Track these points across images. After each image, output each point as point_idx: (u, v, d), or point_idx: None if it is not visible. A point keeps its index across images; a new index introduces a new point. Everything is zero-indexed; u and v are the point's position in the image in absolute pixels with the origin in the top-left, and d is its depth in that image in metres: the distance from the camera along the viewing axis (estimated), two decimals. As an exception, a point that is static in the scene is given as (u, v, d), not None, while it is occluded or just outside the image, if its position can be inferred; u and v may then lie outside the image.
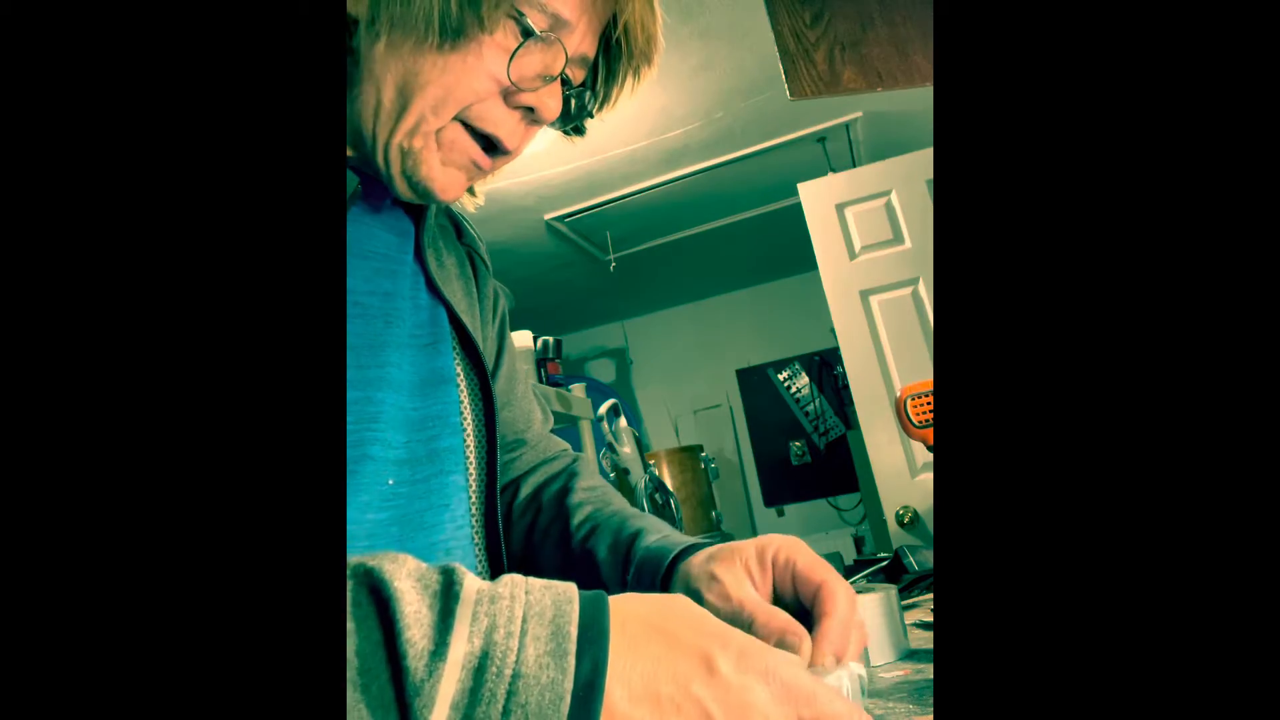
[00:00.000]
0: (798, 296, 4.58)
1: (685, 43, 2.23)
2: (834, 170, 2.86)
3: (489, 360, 0.67)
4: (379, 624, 0.27)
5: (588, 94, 0.57)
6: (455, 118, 0.50)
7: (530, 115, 0.52)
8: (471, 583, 0.29)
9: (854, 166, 2.92)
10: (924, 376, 2.10)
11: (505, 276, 3.30)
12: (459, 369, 0.60)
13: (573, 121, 0.59)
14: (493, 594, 0.29)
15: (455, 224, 0.71)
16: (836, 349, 2.30)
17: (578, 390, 2.31)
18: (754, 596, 0.44)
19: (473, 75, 0.48)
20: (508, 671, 0.27)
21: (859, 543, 4.07)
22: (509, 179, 2.87)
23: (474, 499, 0.60)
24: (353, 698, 0.26)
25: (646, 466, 1.79)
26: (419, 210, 0.61)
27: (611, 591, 0.34)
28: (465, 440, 0.59)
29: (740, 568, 0.46)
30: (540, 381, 2.27)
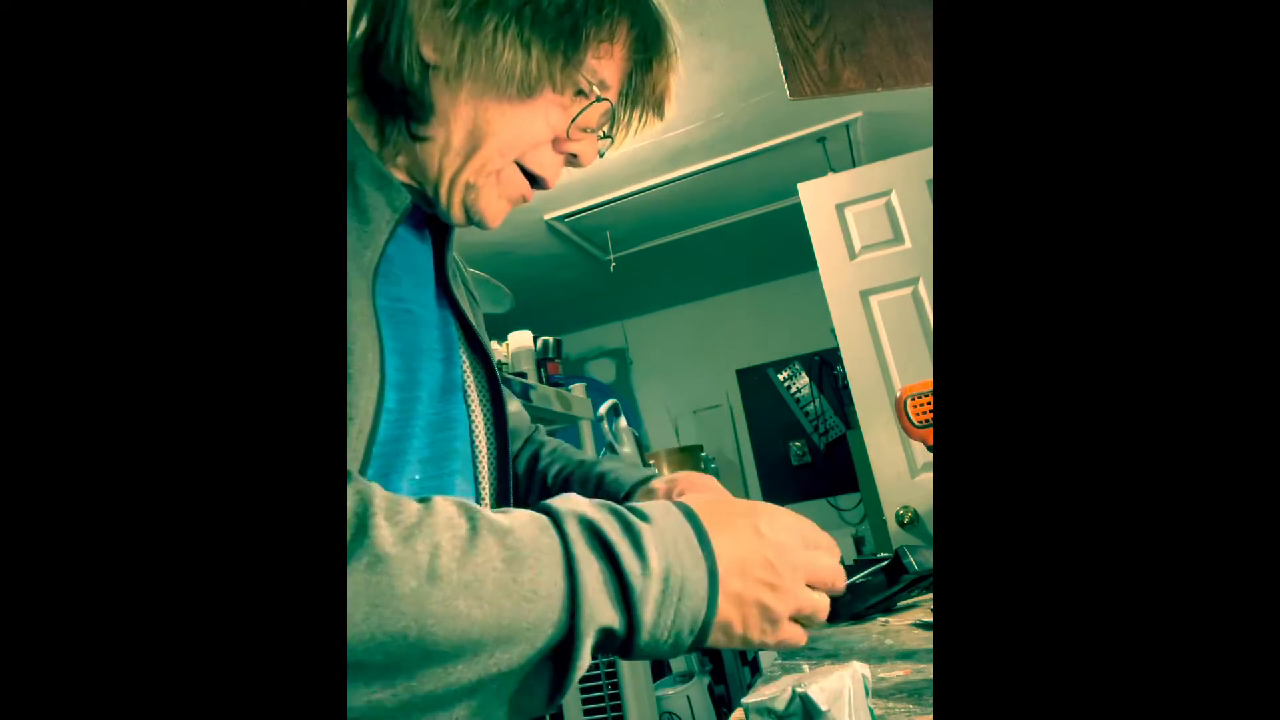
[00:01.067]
0: (798, 296, 4.57)
1: (685, 43, 2.22)
2: (834, 170, 2.85)
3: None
4: (604, 555, 0.40)
5: (611, 142, 0.67)
6: (514, 161, 0.59)
7: (573, 160, 0.62)
8: (635, 519, 0.42)
9: (854, 166, 2.92)
10: (924, 376, 2.10)
11: (505, 276, 3.29)
12: (469, 375, 0.67)
13: (592, 160, 0.69)
14: (652, 526, 0.42)
15: (458, 265, 0.81)
16: (836, 349, 2.29)
17: (578, 390, 2.31)
18: None
19: (536, 126, 0.57)
20: (676, 581, 0.41)
21: (859, 543, 4.06)
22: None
23: (486, 498, 0.66)
24: (602, 600, 0.38)
25: (646, 466, 1.79)
26: (441, 230, 0.69)
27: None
28: (475, 444, 0.66)
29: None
30: (540, 381, 2.27)
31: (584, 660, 0.38)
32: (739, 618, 0.43)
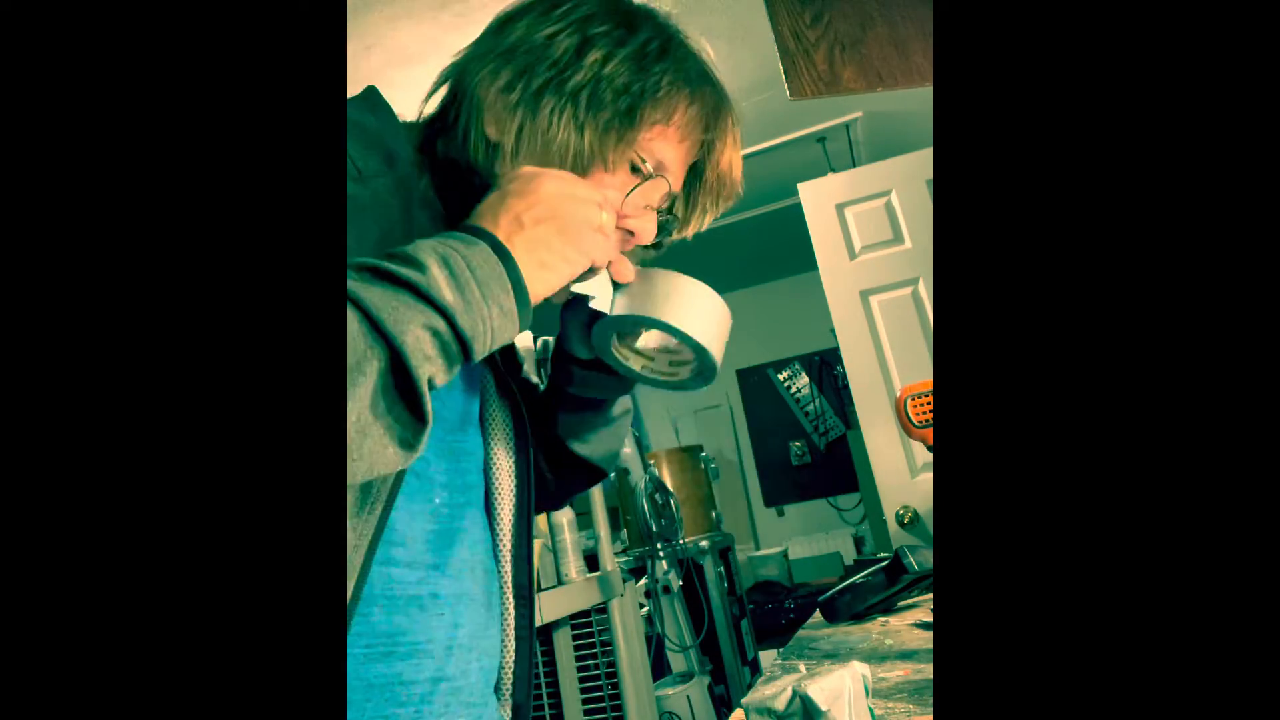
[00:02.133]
0: (798, 296, 4.57)
1: (685, 43, 2.22)
2: (834, 170, 2.85)
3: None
4: (385, 280, 0.40)
5: (675, 221, 0.67)
6: None
7: (629, 236, 0.61)
8: (406, 249, 0.43)
9: (854, 166, 2.92)
10: (924, 376, 2.10)
11: (505, 277, 3.28)
12: (495, 410, 0.67)
13: (656, 239, 0.68)
14: (417, 242, 0.44)
15: None
16: (836, 349, 2.29)
17: (578, 390, 2.30)
18: None
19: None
20: (457, 252, 0.44)
21: (859, 543, 4.06)
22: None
23: (509, 534, 0.65)
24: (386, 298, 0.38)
25: (646, 466, 1.79)
26: None
27: None
28: (495, 479, 0.65)
29: None
30: (541, 381, 2.26)
31: (423, 368, 0.39)
32: (542, 254, 0.46)
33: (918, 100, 2.73)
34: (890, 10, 1.37)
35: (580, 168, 0.56)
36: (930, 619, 0.69)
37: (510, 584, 0.65)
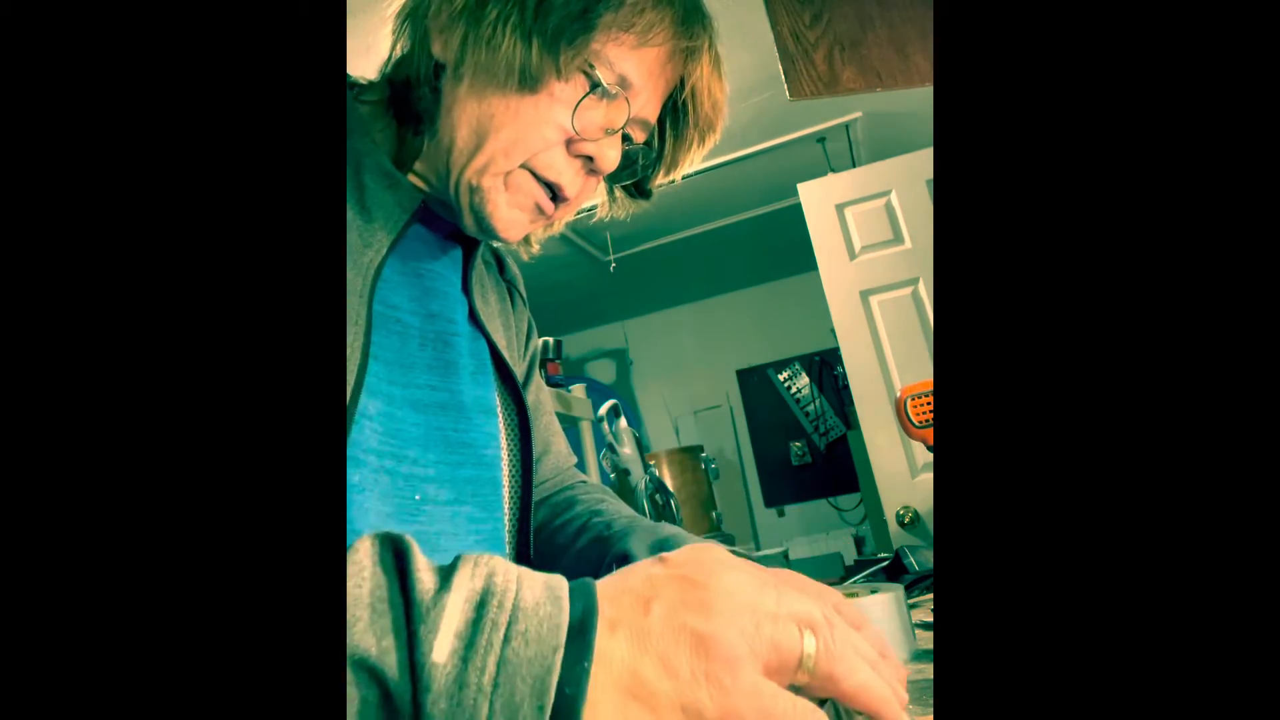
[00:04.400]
0: (798, 296, 4.58)
1: (685, 43, 2.22)
2: (834, 170, 2.86)
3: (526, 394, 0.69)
4: (396, 570, 0.29)
5: (651, 154, 0.61)
6: (523, 165, 0.54)
7: (589, 164, 0.56)
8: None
9: (854, 166, 2.92)
10: (924, 376, 2.10)
11: (505, 277, 3.29)
12: (498, 403, 0.62)
13: (632, 178, 0.63)
14: (489, 556, 0.30)
15: (498, 259, 0.75)
16: (836, 349, 2.30)
17: (578, 391, 2.31)
18: None
19: (542, 122, 0.52)
20: (508, 603, 0.28)
21: (859, 543, 4.06)
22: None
23: (506, 531, 0.61)
24: (363, 625, 0.27)
25: (647, 467, 1.79)
26: (470, 244, 0.64)
27: None
28: (500, 473, 0.60)
29: None
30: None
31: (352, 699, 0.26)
32: (652, 673, 0.27)
33: (918, 100, 2.73)
34: (890, 10, 1.37)
35: (530, 81, 0.50)
36: (930, 619, 0.69)
37: None
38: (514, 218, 0.56)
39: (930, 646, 0.58)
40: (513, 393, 0.63)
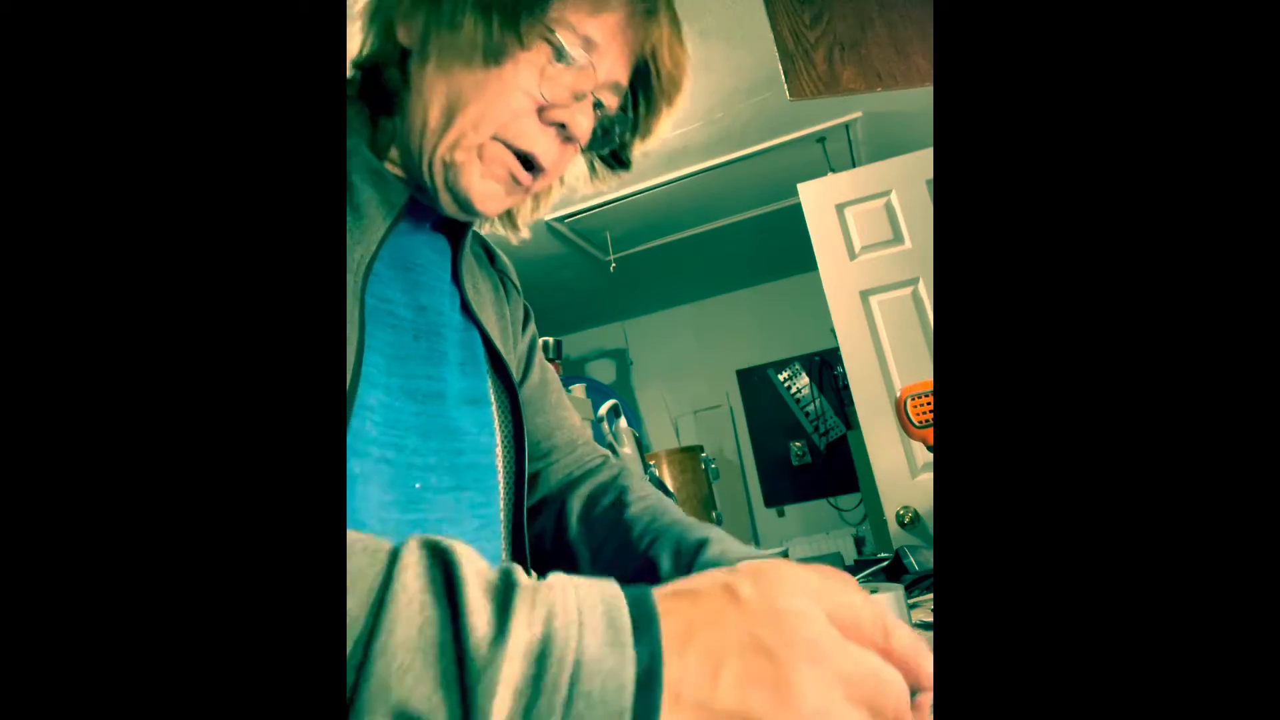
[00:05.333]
0: (798, 296, 4.58)
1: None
2: (834, 170, 2.86)
3: (516, 373, 0.69)
4: (448, 603, 0.27)
5: (626, 120, 0.61)
6: (495, 137, 0.54)
7: (563, 132, 0.56)
8: (524, 574, 0.29)
9: (854, 166, 2.92)
10: (924, 376, 2.10)
11: (505, 277, 3.29)
12: (491, 391, 0.63)
13: (609, 145, 0.63)
14: (546, 584, 0.28)
15: (488, 251, 0.76)
16: (836, 349, 2.30)
17: (578, 391, 2.32)
18: None
19: (510, 92, 0.53)
20: (569, 659, 0.26)
21: (859, 543, 4.06)
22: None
23: (501, 516, 0.61)
24: (414, 675, 0.25)
25: (647, 467, 1.79)
26: (458, 235, 0.65)
27: None
28: (495, 460, 0.61)
29: None
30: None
31: None
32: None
33: (918, 100, 2.73)
34: (890, 10, 1.37)
35: (494, 53, 0.51)
36: (930, 619, 0.69)
37: (507, 555, 0.62)
38: (489, 189, 0.56)
39: (930, 646, 0.58)
40: (504, 381, 0.64)
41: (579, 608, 0.28)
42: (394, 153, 0.59)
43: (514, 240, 0.69)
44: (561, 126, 0.55)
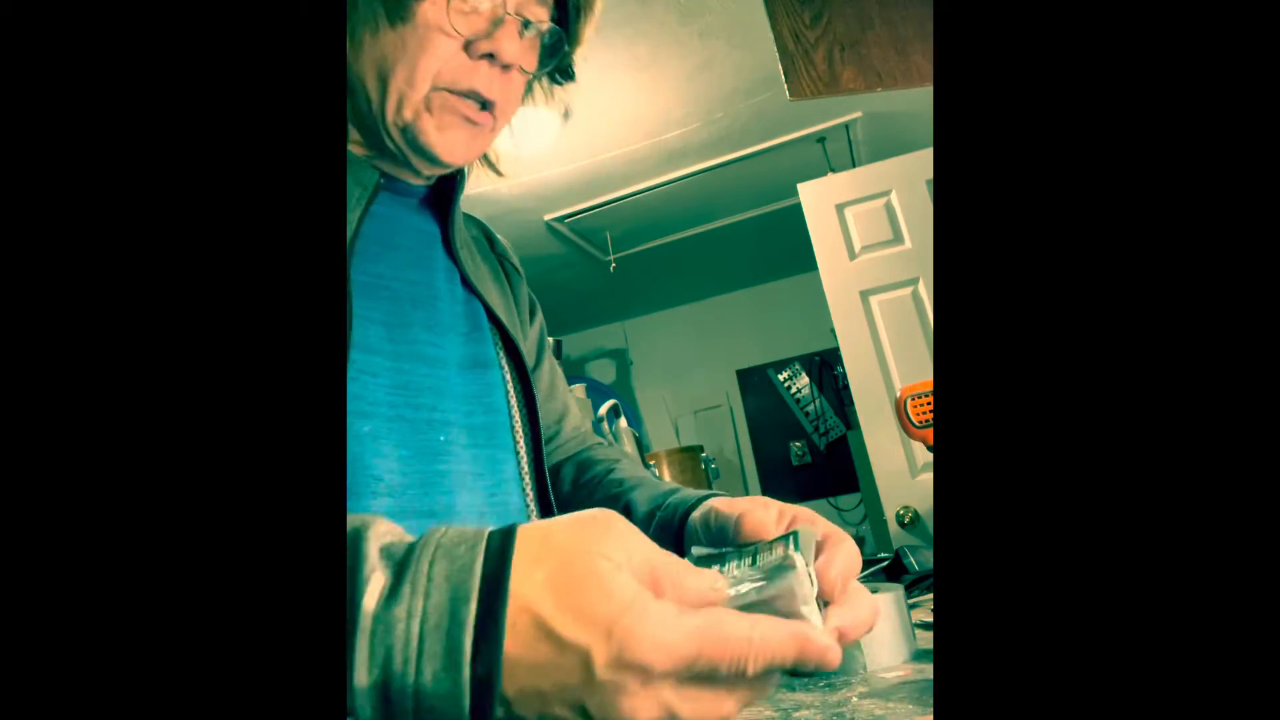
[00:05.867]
0: (798, 296, 4.58)
1: (685, 43, 2.23)
2: (834, 170, 2.85)
3: (529, 357, 0.72)
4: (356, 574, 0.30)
5: (559, 32, 0.60)
6: (435, 87, 0.55)
7: (496, 62, 0.56)
8: (375, 590, 0.29)
9: (854, 166, 2.92)
10: (924, 376, 2.10)
11: (505, 277, 3.29)
12: (499, 357, 0.65)
13: (560, 59, 0.62)
14: (391, 618, 0.29)
15: (487, 236, 0.77)
16: (836, 349, 2.29)
17: (578, 391, 2.32)
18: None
19: (428, 41, 0.53)
20: (409, 693, 0.28)
21: (860, 543, 4.07)
22: (509, 180, 2.86)
23: (525, 472, 0.64)
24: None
25: (647, 467, 1.79)
26: (445, 209, 0.66)
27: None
28: (512, 420, 0.64)
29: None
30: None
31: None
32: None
33: (918, 100, 2.73)
34: (890, 10, 1.37)
35: (400, 14, 0.52)
36: (930, 619, 0.69)
37: (535, 509, 0.64)
38: (450, 139, 0.57)
39: (930, 646, 0.58)
40: (509, 348, 0.66)
41: (421, 633, 0.29)
42: (355, 135, 0.60)
43: (497, 178, 0.70)
44: (491, 56, 0.55)
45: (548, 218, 3.22)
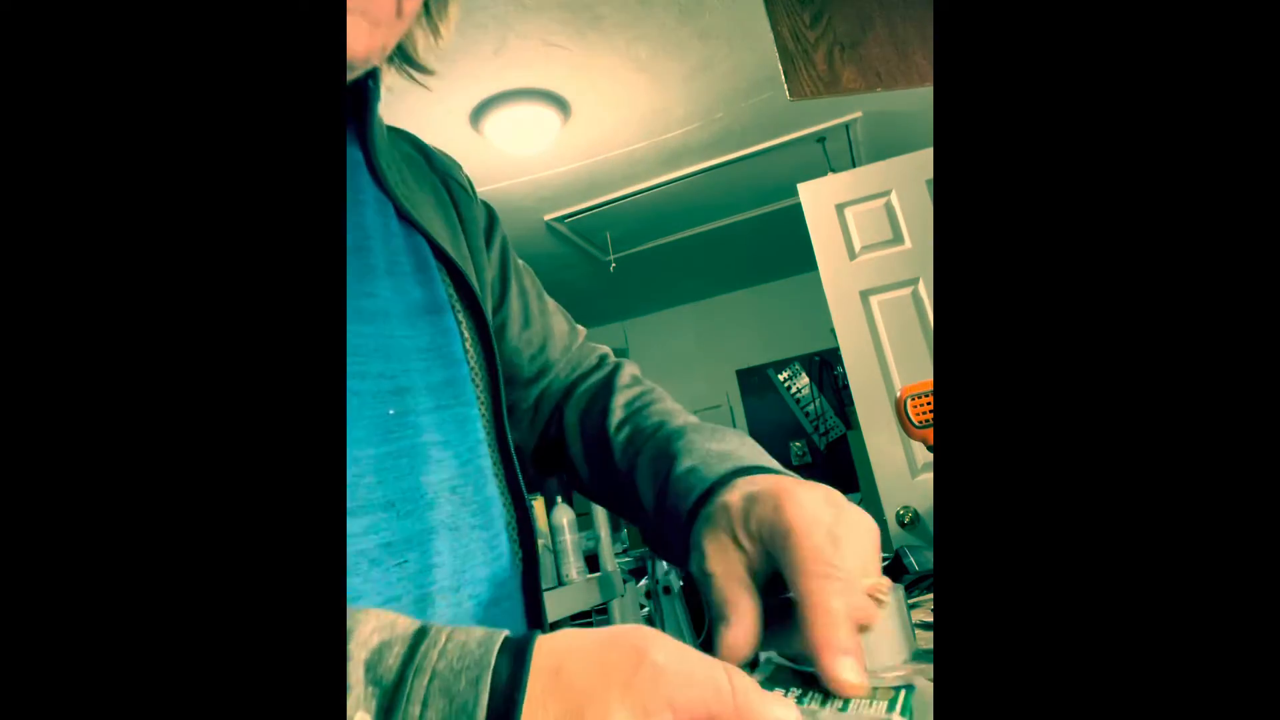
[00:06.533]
0: (798, 296, 4.58)
1: (685, 43, 2.23)
2: (834, 170, 2.86)
3: (485, 288, 0.62)
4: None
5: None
6: None
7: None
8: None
9: (854, 166, 2.92)
10: (924, 376, 2.10)
11: (505, 277, 3.29)
12: (451, 298, 0.56)
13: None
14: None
15: (422, 152, 0.67)
16: (836, 349, 2.29)
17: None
18: (725, 573, 0.41)
19: None
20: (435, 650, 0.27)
21: (859, 543, 4.06)
22: (509, 179, 2.87)
23: (485, 431, 0.55)
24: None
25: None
26: (363, 134, 0.55)
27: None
28: (471, 371, 0.55)
29: (725, 534, 0.42)
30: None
31: None
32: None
33: (918, 100, 2.74)
34: (890, 10, 1.37)
35: None
36: (930, 619, 0.69)
37: (500, 477, 0.56)
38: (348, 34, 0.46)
39: (930, 646, 0.58)
40: (460, 286, 0.57)
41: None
42: None
43: (436, 42, 0.58)
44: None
45: (548, 218, 3.23)
